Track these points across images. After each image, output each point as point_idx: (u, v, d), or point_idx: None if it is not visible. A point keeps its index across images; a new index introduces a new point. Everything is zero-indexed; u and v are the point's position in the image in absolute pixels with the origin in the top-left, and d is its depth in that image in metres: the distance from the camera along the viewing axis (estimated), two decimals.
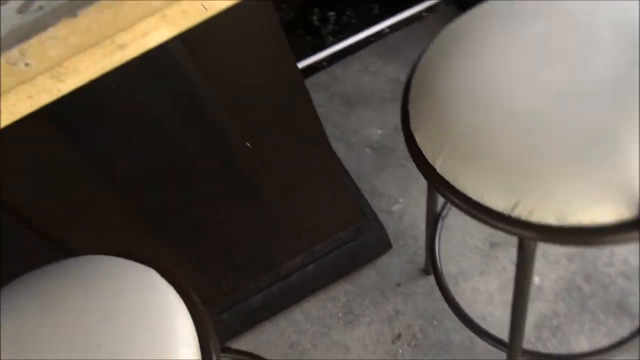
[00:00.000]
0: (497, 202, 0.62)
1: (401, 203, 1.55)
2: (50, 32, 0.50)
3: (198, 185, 1.04)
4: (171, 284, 0.71)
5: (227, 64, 0.87)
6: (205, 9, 0.57)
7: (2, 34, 0.51)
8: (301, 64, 1.87)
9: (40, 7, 0.52)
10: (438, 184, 0.68)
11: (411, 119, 0.73)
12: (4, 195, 0.84)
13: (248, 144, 1.02)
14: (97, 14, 0.51)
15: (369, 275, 1.45)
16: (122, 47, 0.56)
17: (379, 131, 1.71)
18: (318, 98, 1.81)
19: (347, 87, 1.82)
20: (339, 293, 1.45)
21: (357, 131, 1.72)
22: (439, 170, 0.68)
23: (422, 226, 1.49)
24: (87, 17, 0.51)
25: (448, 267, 1.40)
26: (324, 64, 1.89)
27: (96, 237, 1.00)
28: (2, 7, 0.54)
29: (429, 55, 0.76)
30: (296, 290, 1.39)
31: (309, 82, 1.86)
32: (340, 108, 1.78)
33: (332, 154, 1.16)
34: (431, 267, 1.33)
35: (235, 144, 1.00)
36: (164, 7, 0.53)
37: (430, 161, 0.69)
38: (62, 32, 0.51)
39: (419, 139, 0.71)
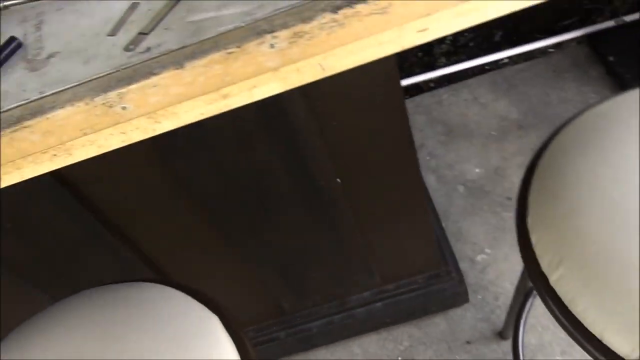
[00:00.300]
0: (619, 344, 0.52)
1: (487, 254, 1.43)
2: (153, 79, 0.46)
3: (280, 212, 0.99)
4: (231, 336, 0.67)
5: (333, 103, 0.80)
6: (323, 69, 0.50)
7: (104, 72, 0.47)
8: (407, 81, 1.78)
9: (148, 49, 0.48)
10: (548, 299, 0.59)
11: (529, 211, 0.64)
12: (103, 210, 0.84)
13: (339, 180, 0.96)
14: (205, 68, 0.46)
15: (437, 324, 1.36)
16: (225, 96, 0.51)
17: (477, 170, 1.59)
18: (418, 121, 1.72)
19: (451, 116, 1.71)
20: (403, 335, 1.37)
21: (452, 165, 1.61)
22: (553, 283, 0.58)
23: (506, 284, 1.38)
24: (194, 70, 0.46)
25: (527, 337, 1.28)
26: (431, 85, 1.79)
27: (179, 249, 0.98)
28: (111, 39, 0.50)
29: (565, 138, 0.66)
30: (359, 325, 1.33)
31: (412, 103, 1.76)
32: (439, 136, 1.68)
33: (424, 197, 1.08)
34: (510, 334, 1.22)
35: (326, 179, 0.95)
36: (278, 66, 0.47)
37: (544, 269, 0.59)
38: (166, 82, 0.46)
39: (535, 238, 0.61)
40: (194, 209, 0.91)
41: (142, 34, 0.49)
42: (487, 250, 1.44)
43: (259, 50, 0.46)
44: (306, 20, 0.44)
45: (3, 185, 0.54)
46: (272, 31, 0.45)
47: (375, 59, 0.51)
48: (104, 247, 0.93)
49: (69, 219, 0.85)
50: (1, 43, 0.56)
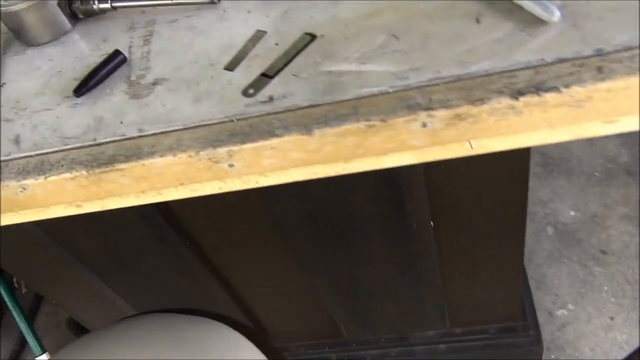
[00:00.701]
0: None
1: (569, 310, 1.30)
2: (273, 142, 0.38)
3: (362, 242, 0.91)
4: None
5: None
6: (472, 147, 0.41)
7: (215, 119, 0.40)
8: None
9: (271, 99, 0.39)
10: None
11: None
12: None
13: (432, 223, 0.87)
14: (338, 138, 0.37)
15: None
16: (347, 160, 0.42)
17: (572, 212, 1.45)
18: None
19: (551, 146, 1.56)
20: None
21: (545, 202, 1.48)
22: None
23: (585, 349, 1.25)
24: (323, 138, 0.37)
25: None
26: None
27: (249, 264, 0.93)
28: (228, 75, 0.42)
29: None
30: None
31: None
32: (535, 167, 1.54)
33: (522, 256, 0.97)
34: None
35: (419, 221, 0.85)
36: (423, 146, 0.38)
37: None
38: (286, 146, 0.38)
39: None
40: (275, 231, 0.84)
41: (266, 76, 0.41)
42: (570, 306, 1.31)
43: (407, 128, 0.37)
44: (475, 102, 0.35)
45: (83, 211, 0.48)
46: (428, 108, 0.36)
47: (539, 144, 0.41)
48: (188, 272, 0.88)
49: (157, 239, 0.80)
50: (103, 48, 0.49)
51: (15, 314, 1.29)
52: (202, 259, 0.90)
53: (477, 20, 0.39)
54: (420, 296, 1.07)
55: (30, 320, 1.51)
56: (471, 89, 0.35)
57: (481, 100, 0.35)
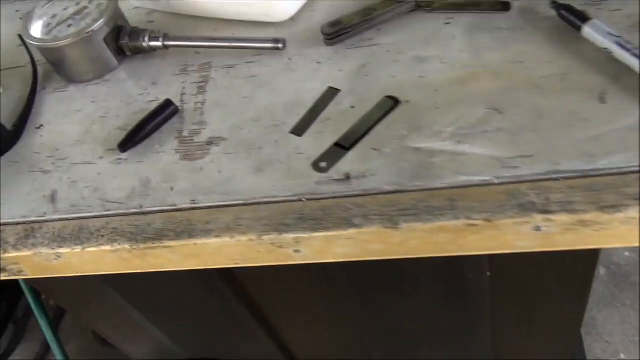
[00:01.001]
0: None
1: None
2: (350, 232, 0.32)
3: (412, 288, 0.85)
4: None
5: None
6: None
7: (281, 196, 0.34)
8: None
9: (347, 177, 0.33)
10: None
11: None
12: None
13: (488, 273, 0.80)
14: (427, 234, 0.31)
15: None
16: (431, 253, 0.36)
17: (627, 253, 1.35)
18: None
19: None
20: None
21: None
22: None
23: None
24: (410, 232, 0.31)
25: None
26: None
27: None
28: (295, 140, 0.36)
29: None
30: None
31: None
32: None
33: (582, 318, 0.89)
34: None
35: (475, 271, 0.78)
36: (529, 247, 0.32)
37: None
38: (366, 237, 0.32)
39: None
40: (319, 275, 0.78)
41: (340, 147, 0.35)
42: (622, 356, 1.22)
43: (515, 229, 0.30)
44: (606, 208, 0.28)
45: (121, 272, 0.43)
46: (545, 211, 0.29)
47: None
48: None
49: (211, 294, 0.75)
50: (152, 92, 0.44)
51: (42, 321, 1.26)
52: (246, 304, 0.85)
53: (601, 99, 0.32)
54: (466, 346, 1.00)
55: (56, 323, 1.48)
56: (601, 192, 0.29)
57: (615, 208, 0.28)
